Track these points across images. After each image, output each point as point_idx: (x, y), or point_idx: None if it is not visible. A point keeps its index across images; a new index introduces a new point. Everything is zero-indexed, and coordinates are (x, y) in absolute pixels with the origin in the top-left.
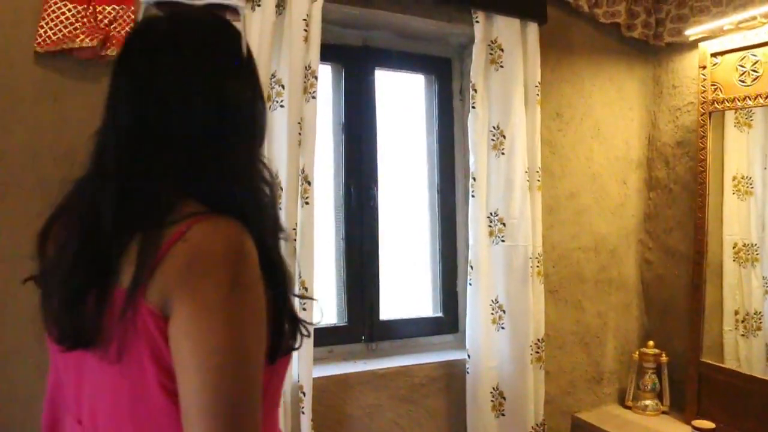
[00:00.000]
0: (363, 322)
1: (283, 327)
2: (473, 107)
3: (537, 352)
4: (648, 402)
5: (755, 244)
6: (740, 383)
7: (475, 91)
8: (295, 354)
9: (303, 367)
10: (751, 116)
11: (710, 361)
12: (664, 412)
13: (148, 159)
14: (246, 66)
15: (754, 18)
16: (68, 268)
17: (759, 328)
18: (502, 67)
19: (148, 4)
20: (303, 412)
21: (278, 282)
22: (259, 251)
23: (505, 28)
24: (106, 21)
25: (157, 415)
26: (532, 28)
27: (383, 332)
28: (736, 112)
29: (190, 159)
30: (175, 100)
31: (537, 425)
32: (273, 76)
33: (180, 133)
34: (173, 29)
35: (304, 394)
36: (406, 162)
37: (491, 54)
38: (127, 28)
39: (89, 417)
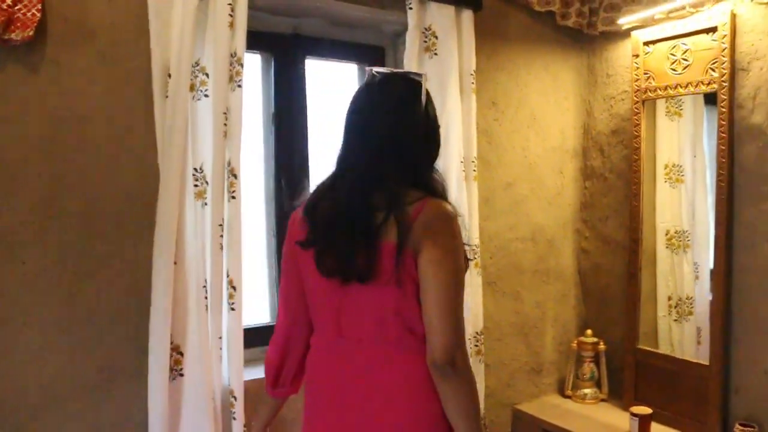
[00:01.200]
0: None
1: (466, 258)
2: None
3: (476, 345)
4: (587, 390)
5: (686, 231)
6: (674, 367)
7: None
8: (224, 355)
9: (233, 369)
10: (681, 105)
11: (646, 348)
12: (602, 400)
13: (388, 166)
14: (431, 105)
15: (683, 8)
16: (348, 234)
17: (691, 313)
18: (436, 54)
19: (371, 73)
20: (234, 418)
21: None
22: None
23: (440, 14)
24: (9, 2)
25: (411, 314)
26: (467, 15)
27: None
28: (666, 101)
29: (414, 165)
30: (404, 130)
31: None
32: (196, 64)
33: (409, 150)
34: (394, 86)
35: (235, 398)
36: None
37: (425, 41)
38: (33, 10)
39: (354, 327)
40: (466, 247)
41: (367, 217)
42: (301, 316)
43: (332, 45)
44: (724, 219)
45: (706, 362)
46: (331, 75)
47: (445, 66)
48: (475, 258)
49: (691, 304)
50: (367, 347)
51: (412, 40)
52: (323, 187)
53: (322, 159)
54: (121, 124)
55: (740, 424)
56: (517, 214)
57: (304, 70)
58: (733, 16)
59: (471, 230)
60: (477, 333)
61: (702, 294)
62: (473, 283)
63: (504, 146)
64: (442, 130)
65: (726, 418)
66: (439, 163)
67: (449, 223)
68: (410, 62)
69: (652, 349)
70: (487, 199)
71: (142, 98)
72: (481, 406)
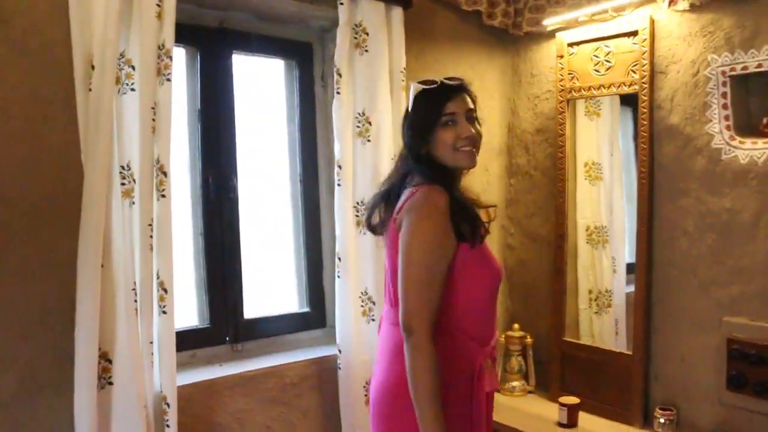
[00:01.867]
0: (226, 322)
1: (471, 227)
2: (338, 92)
3: None
4: (515, 383)
5: (605, 227)
6: (598, 358)
7: (340, 75)
8: (155, 360)
9: (165, 375)
10: (599, 106)
11: (572, 340)
12: (530, 392)
13: (406, 162)
14: (412, 106)
15: (605, 11)
16: (377, 203)
17: (609, 305)
18: (367, 51)
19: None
20: (168, 425)
21: (463, 207)
22: (451, 199)
23: (370, 11)
24: None
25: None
26: (397, 13)
27: (248, 332)
28: (586, 101)
29: (418, 161)
30: (410, 133)
31: None
32: (122, 56)
33: (418, 151)
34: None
35: (168, 405)
36: (267, 151)
37: (356, 38)
38: None
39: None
40: (486, 210)
41: (387, 194)
42: None
43: (259, 40)
44: (646, 215)
45: (627, 352)
46: (258, 71)
47: (376, 63)
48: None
49: (609, 296)
50: (385, 308)
51: (342, 37)
52: None
53: (250, 156)
54: (39, 118)
55: (660, 409)
56: None
57: (230, 65)
58: (652, 22)
59: None
60: None
61: (619, 287)
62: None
63: None
64: (373, 128)
65: (647, 403)
66: (368, 161)
67: (420, 206)
68: (341, 59)
69: (577, 341)
70: None
71: (63, 91)
72: None
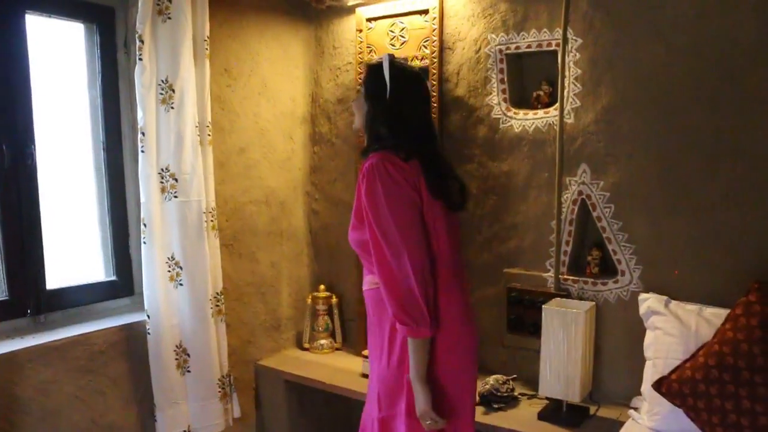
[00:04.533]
0: (27, 293)
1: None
2: (140, 59)
3: (217, 306)
4: (323, 341)
5: None
6: None
7: (142, 42)
8: None
9: None
10: None
11: None
12: (338, 349)
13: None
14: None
15: None
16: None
17: None
18: (170, 18)
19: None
20: None
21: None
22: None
23: None
24: None
25: None
26: None
27: (52, 303)
28: None
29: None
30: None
31: (223, 377)
32: None
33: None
34: (374, 73)
35: None
36: (68, 118)
37: (158, 4)
38: None
39: None
40: None
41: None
42: None
43: (56, 1)
44: None
45: None
46: (55, 34)
47: (179, 30)
48: (212, 221)
49: None
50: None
51: (144, 2)
52: None
53: (50, 123)
54: None
55: None
56: (251, 178)
57: (23, 25)
58: (441, 2)
59: (207, 194)
60: (217, 294)
61: None
62: (211, 245)
63: (237, 112)
64: (176, 96)
65: None
66: (171, 128)
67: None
68: (143, 25)
69: None
70: (222, 164)
71: None
72: (225, 363)
